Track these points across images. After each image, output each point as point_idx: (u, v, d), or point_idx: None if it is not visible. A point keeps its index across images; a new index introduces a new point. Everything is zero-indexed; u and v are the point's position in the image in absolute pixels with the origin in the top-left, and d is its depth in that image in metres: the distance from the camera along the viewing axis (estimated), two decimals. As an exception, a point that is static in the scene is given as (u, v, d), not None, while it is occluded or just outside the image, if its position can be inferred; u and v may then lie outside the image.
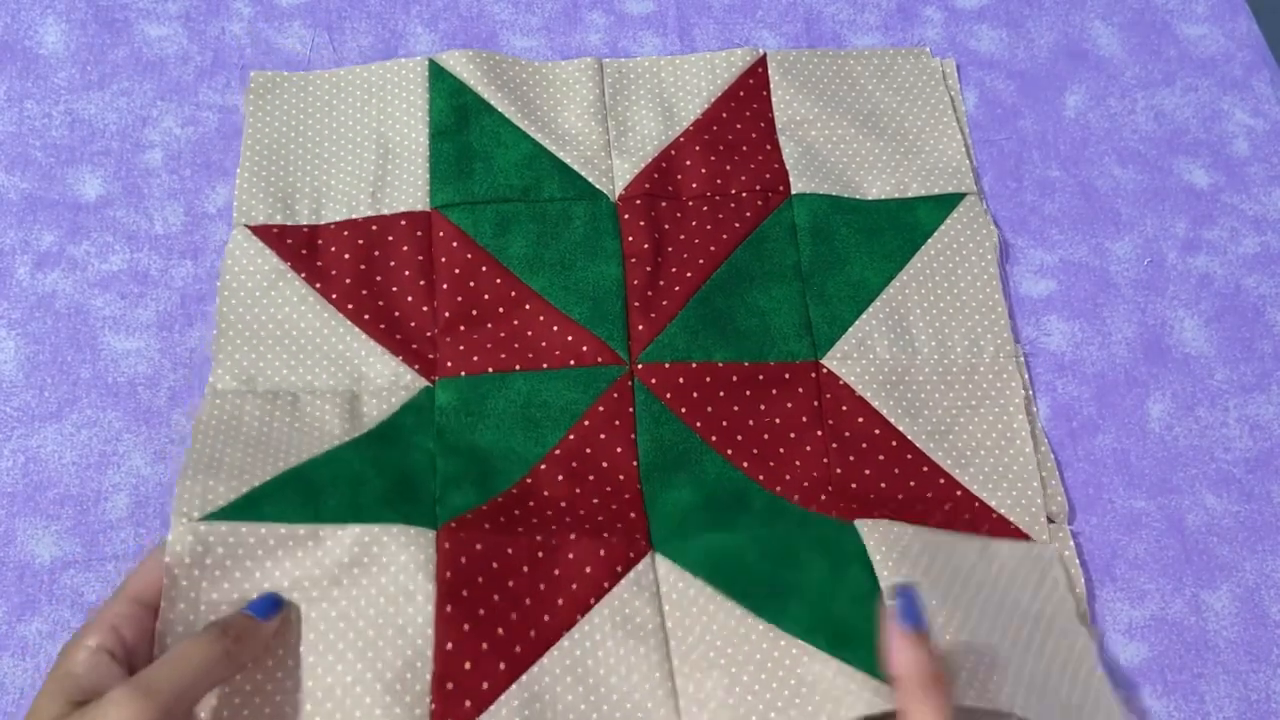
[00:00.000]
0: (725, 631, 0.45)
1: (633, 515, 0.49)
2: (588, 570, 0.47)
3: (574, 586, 0.46)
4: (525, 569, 0.46)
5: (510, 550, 0.47)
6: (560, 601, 0.46)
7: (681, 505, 0.50)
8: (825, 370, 0.54)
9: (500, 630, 0.45)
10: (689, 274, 0.56)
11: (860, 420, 0.53)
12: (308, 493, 0.46)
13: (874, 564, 0.46)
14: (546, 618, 0.46)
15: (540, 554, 0.47)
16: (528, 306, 0.55)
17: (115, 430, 0.52)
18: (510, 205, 0.57)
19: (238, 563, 0.43)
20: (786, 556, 0.47)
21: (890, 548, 0.46)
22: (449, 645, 0.44)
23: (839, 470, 0.52)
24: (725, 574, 0.46)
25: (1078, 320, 0.58)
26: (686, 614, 0.46)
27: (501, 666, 0.44)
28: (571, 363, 0.53)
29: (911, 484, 0.52)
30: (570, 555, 0.47)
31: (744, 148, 0.60)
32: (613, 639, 0.46)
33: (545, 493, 0.50)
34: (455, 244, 0.56)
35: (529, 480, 0.50)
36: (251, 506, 0.45)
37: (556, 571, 0.47)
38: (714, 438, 0.52)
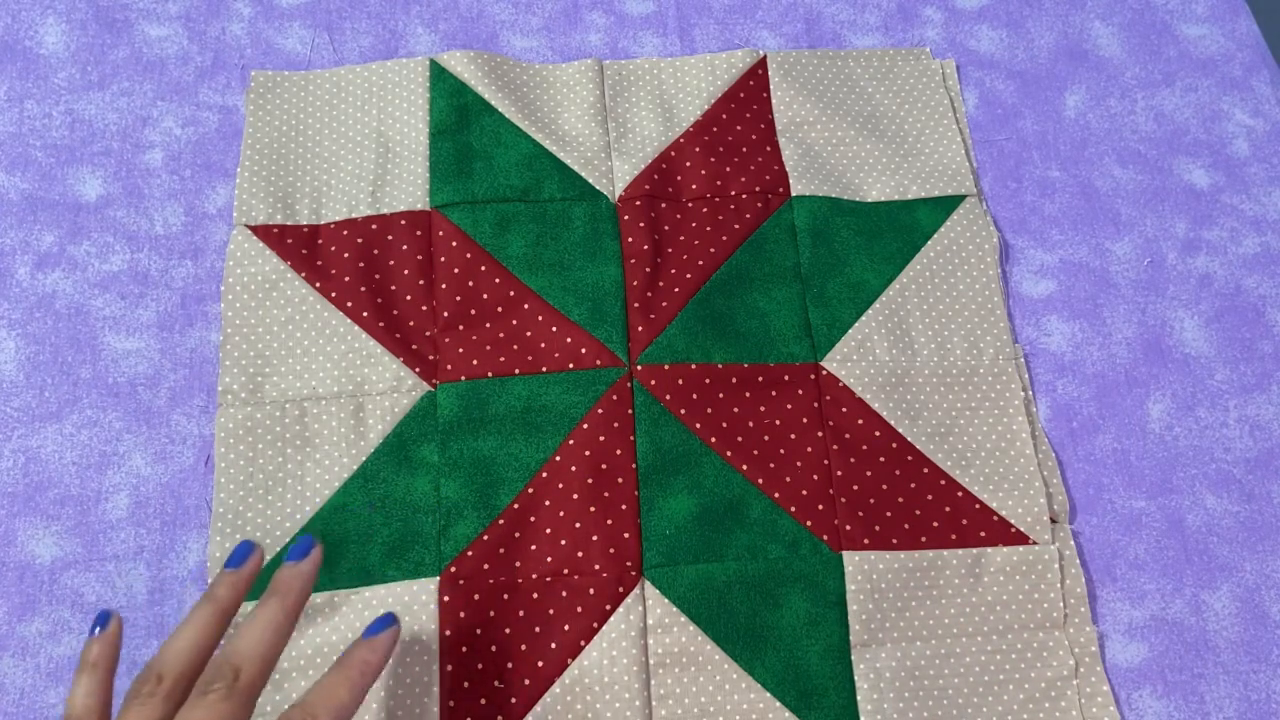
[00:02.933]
0: (703, 677, 0.48)
1: (626, 535, 0.50)
2: (579, 610, 0.49)
3: (566, 628, 0.48)
4: (521, 613, 0.49)
5: (506, 596, 0.49)
6: (553, 645, 0.48)
7: (677, 519, 0.50)
8: (825, 372, 0.54)
9: (497, 683, 0.47)
10: (689, 275, 0.56)
11: (860, 422, 0.53)
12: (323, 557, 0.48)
13: (850, 613, 0.49)
14: (540, 664, 0.48)
15: (535, 594, 0.49)
16: (527, 306, 0.55)
17: (115, 430, 0.52)
18: (510, 205, 0.57)
19: None
20: (769, 595, 0.50)
21: (869, 595, 0.50)
22: (451, 704, 0.47)
23: (839, 473, 0.52)
24: (709, 611, 0.49)
25: (1078, 320, 0.58)
26: (669, 653, 0.48)
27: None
28: (570, 365, 0.53)
29: (912, 486, 0.52)
30: (564, 593, 0.49)
31: (744, 149, 0.60)
32: (599, 684, 0.47)
33: (546, 502, 0.50)
34: (455, 243, 0.56)
35: (530, 490, 0.51)
36: None
37: (551, 611, 0.49)
38: (714, 439, 0.52)
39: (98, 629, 0.39)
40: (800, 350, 0.55)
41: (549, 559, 0.49)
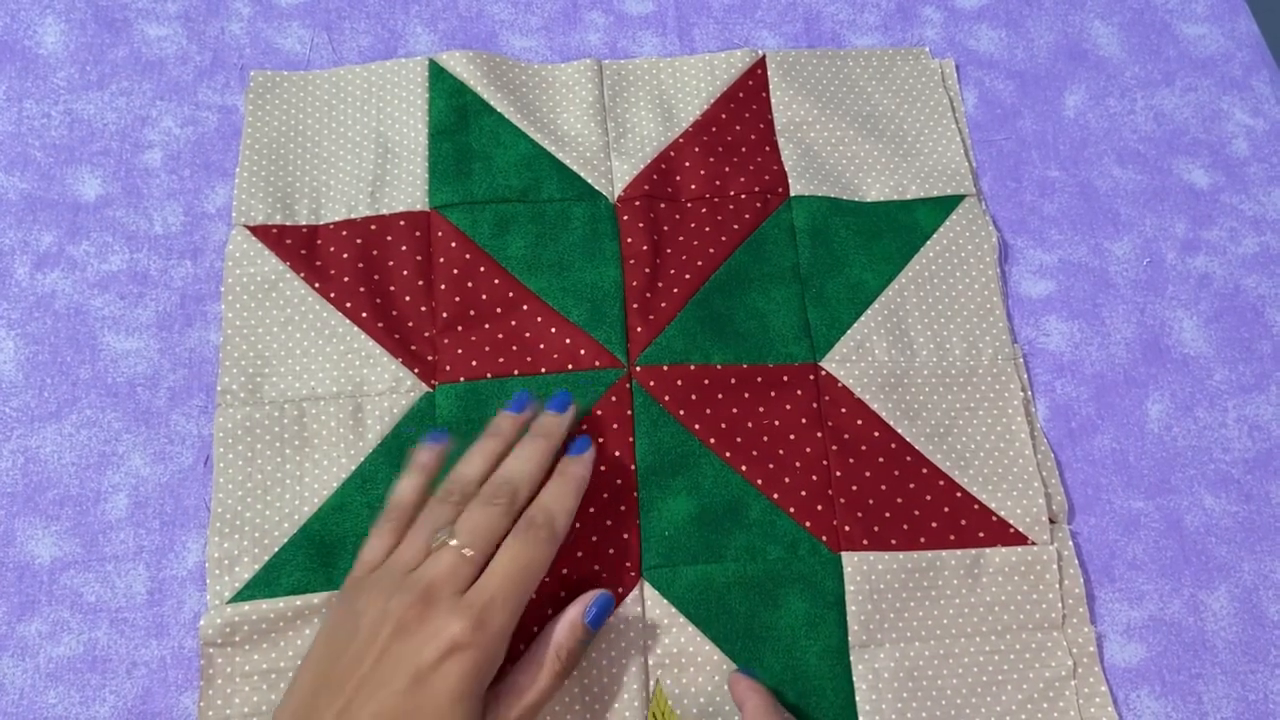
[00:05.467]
0: (702, 678, 0.48)
1: (626, 536, 0.50)
2: None
3: None
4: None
5: None
6: None
7: (676, 520, 0.50)
8: (824, 372, 0.54)
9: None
10: (688, 276, 0.56)
11: (859, 423, 0.53)
12: (321, 556, 0.49)
13: (848, 614, 0.49)
14: None
15: (534, 595, 0.48)
16: (526, 307, 0.55)
17: (115, 430, 0.52)
18: (509, 206, 0.57)
19: (264, 636, 0.48)
20: (768, 596, 0.50)
21: (868, 595, 0.50)
22: None
23: (838, 473, 0.52)
24: (708, 612, 0.49)
25: (1077, 320, 0.58)
26: (668, 654, 0.48)
27: None
28: (570, 366, 0.53)
29: (911, 486, 0.52)
30: (562, 594, 0.49)
31: (743, 149, 0.60)
32: (599, 684, 0.47)
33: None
34: (454, 244, 0.56)
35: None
36: (272, 579, 0.49)
37: (550, 611, 0.48)
38: (713, 440, 0.52)
39: (434, 440, 0.49)
40: (799, 350, 0.55)
41: None
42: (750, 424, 0.53)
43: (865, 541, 0.51)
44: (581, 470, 0.48)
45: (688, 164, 0.59)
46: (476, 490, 0.46)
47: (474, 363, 0.53)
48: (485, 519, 0.44)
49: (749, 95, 0.62)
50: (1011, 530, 0.52)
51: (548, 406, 0.49)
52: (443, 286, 0.55)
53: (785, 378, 0.54)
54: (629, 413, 0.52)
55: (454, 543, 0.42)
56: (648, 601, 0.49)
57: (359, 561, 0.45)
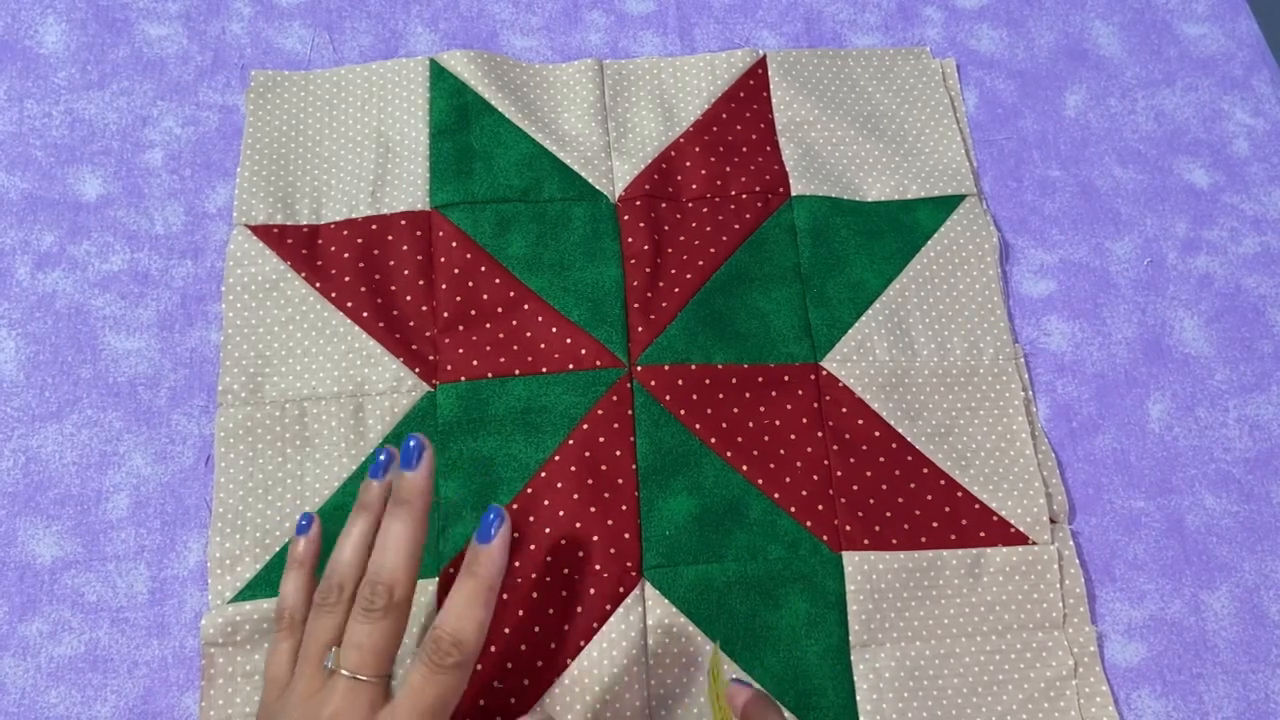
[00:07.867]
0: (703, 677, 0.48)
1: (627, 536, 0.50)
2: (579, 610, 0.49)
3: (566, 628, 0.48)
4: (521, 613, 0.48)
5: (505, 596, 0.49)
6: (553, 645, 0.48)
7: (677, 520, 0.50)
8: (825, 372, 0.54)
9: (496, 684, 0.47)
10: (689, 275, 0.56)
11: (860, 422, 0.53)
12: (322, 556, 0.48)
13: (849, 613, 0.49)
14: (540, 664, 0.48)
15: (535, 594, 0.49)
16: (527, 307, 0.55)
17: (115, 430, 0.52)
18: (510, 205, 0.57)
19: (265, 635, 0.48)
20: (768, 595, 0.50)
21: (868, 595, 0.50)
22: None
23: (839, 473, 0.52)
24: (708, 611, 0.49)
25: (1078, 320, 0.58)
26: (668, 653, 0.48)
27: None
28: (570, 366, 0.53)
29: (912, 486, 0.52)
30: (564, 593, 0.49)
31: (744, 149, 0.60)
32: (599, 684, 0.47)
33: (545, 502, 0.50)
34: (455, 244, 0.56)
35: (529, 490, 0.51)
36: (273, 579, 0.48)
37: (551, 611, 0.48)
38: (713, 440, 0.52)
39: (301, 531, 0.45)
40: (800, 350, 0.55)
41: (548, 559, 0.49)
42: (751, 424, 0.53)
43: (866, 541, 0.51)
44: (491, 562, 0.41)
45: (688, 164, 0.59)
46: (356, 580, 0.42)
47: (475, 362, 0.53)
48: (368, 634, 0.40)
49: (750, 95, 0.62)
50: (1012, 530, 0.52)
51: (400, 465, 0.42)
52: (444, 286, 0.55)
53: (786, 377, 0.54)
54: (630, 412, 0.52)
55: (345, 671, 0.39)
56: (648, 601, 0.49)
57: (267, 680, 0.42)
